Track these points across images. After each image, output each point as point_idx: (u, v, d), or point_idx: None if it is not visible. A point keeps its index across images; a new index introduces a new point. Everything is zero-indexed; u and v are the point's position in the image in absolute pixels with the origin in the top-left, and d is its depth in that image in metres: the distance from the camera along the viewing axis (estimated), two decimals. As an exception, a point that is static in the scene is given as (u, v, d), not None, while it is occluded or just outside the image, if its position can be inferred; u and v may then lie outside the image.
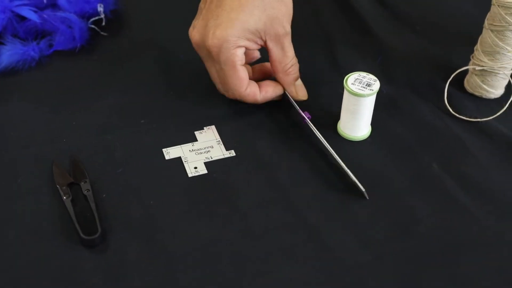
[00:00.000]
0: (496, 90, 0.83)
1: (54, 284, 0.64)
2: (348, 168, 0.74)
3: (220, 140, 0.78)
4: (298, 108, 0.79)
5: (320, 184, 0.73)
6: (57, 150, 0.76)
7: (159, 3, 0.99)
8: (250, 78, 0.80)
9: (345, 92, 0.76)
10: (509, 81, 0.81)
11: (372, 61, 0.89)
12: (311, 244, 0.68)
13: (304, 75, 0.82)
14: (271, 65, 0.80)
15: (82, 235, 0.66)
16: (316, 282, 0.65)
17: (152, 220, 0.69)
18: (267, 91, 0.80)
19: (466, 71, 0.84)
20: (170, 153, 0.76)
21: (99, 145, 0.77)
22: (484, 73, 0.82)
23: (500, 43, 0.78)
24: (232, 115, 0.81)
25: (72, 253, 0.66)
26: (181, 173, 0.74)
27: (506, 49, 0.79)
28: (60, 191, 0.71)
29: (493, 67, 0.80)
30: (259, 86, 0.80)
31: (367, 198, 0.71)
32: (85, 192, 0.70)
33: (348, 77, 0.76)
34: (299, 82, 0.81)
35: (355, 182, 0.72)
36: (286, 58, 0.79)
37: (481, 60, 0.81)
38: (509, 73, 0.81)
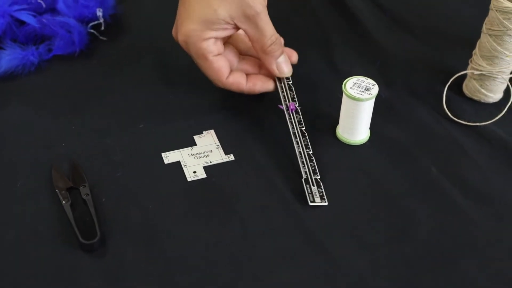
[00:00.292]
0: (494, 95, 0.83)
1: (53, 288, 0.64)
2: (347, 172, 0.75)
3: (219, 145, 0.78)
4: (285, 100, 0.79)
5: (319, 188, 0.74)
6: (56, 154, 0.76)
7: (158, 8, 0.99)
8: (241, 67, 0.80)
9: (344, 97, 0.76)
10: (508, 86, 0.82)
11: (371, 65, 0.90)
12: (310, 248, 0.68)
13: (303, 79, 0.82)
14: (252, 45, 0.79)
15: (81, 239, 0.66)
16: (315, 285, 0.65)
17: (151, 224, 0.69)
18: (255, 84, 0.80)
19: (465, 75, 0.85)
20: (169, 157, 0.76)
21: (98, 149, 0.77)
22: (483, 78, 0.82)
23: (498, 47, 0.78)
24: (231, 119, 0.81)
25: (71, 257, 0.66)
26: (180, 178, 0.74)
27: (504, 53, 0.79)
28: (59, 195, 0.71)
29: (492, 71, 0.80)
30: (249, 78, 0.80)
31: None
32: (84, 197, 0.70)
33: (347, 81, 0.76)
34: (282, 58, 0.80)
35: None
36: (263, 38, 0.76)
37: (479, 65, 0.81)
38: (507, 77, 0.81)
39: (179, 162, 0.76)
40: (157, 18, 0.98)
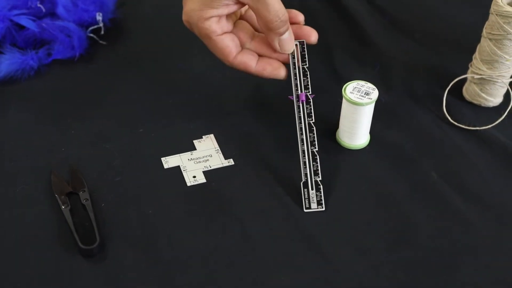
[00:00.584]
0: (494, 99, 0.83)
1: (53, 293, 0.64)
2: (347, 176, 0.75)
3: (219, 149, 0.78)
4: (296, 89, 0.76)
5: (319, 193, 0.73)
6: (56, 159, 0.76)
7: (157, 12, 0.99)
8: (254, 47, 0.77)
9: (344, 101, 0.76)
10: (508, 90, 0.81)
11: (371, 69, 0.90)
12: (309, 253, 0.68)
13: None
14: (257, 21, 0.75)
15: (80, 244, 0.66)
16: (315, 291, 0.65)
17: (150, 229, 0.69)
18: (265, 68, 0.76)
19: (465, 80, 0.84)
20: (169, 162, 0.76)
21: (97, 154, 0.77)
22: (483, 82, 0.82)
23: (498, 51, 0.78)
24: (231, 123, 0.81)
25: (70, 262, 0.66)
26: (180, 182, 0.74)
27: (504, 57, 0.79)
28: (59, 200, 0.70)
29: (492, 75, 0.80)
30: (260, 60, 0.77)
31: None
32: (83, 202, 0.70)
33: (347, 86, 0.76)
34: (286, 35, 0.75)
35: None
36: (267, 13, 0.72)
37: (479, 69, 0.81)
38: (507, 81, 0.81)
39: (178, 166, 0.76)
40: (156, 22, 0.98)
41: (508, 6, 0.76)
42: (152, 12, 1.00)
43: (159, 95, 0.85)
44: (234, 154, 0.77)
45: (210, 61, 0.88)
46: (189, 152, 0.77)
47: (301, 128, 0.74)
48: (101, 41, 0.93)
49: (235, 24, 0.78)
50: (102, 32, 0.93)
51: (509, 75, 0.81)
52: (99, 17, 0.92)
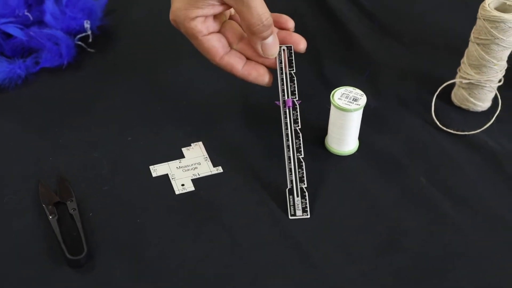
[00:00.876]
0: (483, 103, 0.83)
1: (40, 305, 0.64)
2: (335, 183, 0.74)
3: (208, 157, 0.78)
4: (283, 95, 0.75)
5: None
6: (44, 168, 0.75)
7: (145, 19, 0.99)
8: (241, 48, 0.76)
9: (332, 107, 0.76)
10: (496, 94, 0.81)
11: (360, 74, 0.89)
12: (298, 260, 0.67)
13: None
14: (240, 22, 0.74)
15: (68, 255, 0.65)
16: (304, 299, 0.65)
17: (139, 238, 0.69)
18: (250, 73, 0.76)
19: (453, 84, 0.84)
20: (157, 170, 0.76)
21: (86, 162, 0.77)
22: (471, 86, 0.82)
23: (486, 56, 0.78)
24: (219, 131, 0.81)
25: (58, 273, 0.65)
26: (168, 191, 0.74)
27: (492, 62, 0.79)
28: (46, 210, 0.70)
29: (480, 80, 0.80)
30: (247, 63, 0.76)
31: None
32: (71, 211, 0.70)
33: (335, 92, 0.76)
34: (270, 40, 0.74)
35: None
36: (249, 16, 0.71)
37: (467, 73, 0.81)
38: (495, 86, 0.81)
39: (167, 175, 0.75)
40: (144, 29, 0.97)
41: (495, 11, 0.76)
42: (140, 19, 0.99)
43: (148, 102, 0.85)
44: (223, 161, 0.77)
45: (198, 68, 0.88)
46: (177, 160, 0.77)
47: (287, 134, 0.74)
48: (89, 49, 0.92)
49: (223, 24, 0.77)
50: (90, 40, 0.93)
51: (497, 80, 0.81)
52: (87, 24, 0.92)
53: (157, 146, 0.79)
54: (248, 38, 0.75)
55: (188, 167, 0.76)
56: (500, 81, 0.81)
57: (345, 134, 0.77)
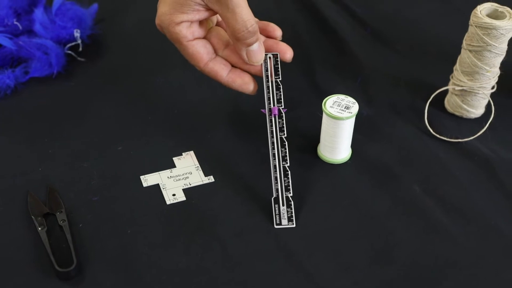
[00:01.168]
0: (476, 110, 0.83)
1: (29, 318, 0.63)
2: (328, 191, 0.74)
3: (199, 166, 0.77)
4: (269, 103, 0.75)
5: (299, 209, 0.72)
6: (33, 179, 0.75)
7: (135, 28, 0.98)
8: (226, 55, 0.75)
9: (324, 115, 0.75)
10: (489, 101, 0.81)
11: (352, 82, 0.89)
12: (290, 270, 0.67)
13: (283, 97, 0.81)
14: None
15: (57, 267, 0.64)
16: (297, 310, 0.64)
17: (129, 250, 0.68)
18: (234, 81, 0.75)
19: (446, 91, 0.84)
20: (148, 180, 0.75)
21: (75, 173, 0.76)
22: (464, 93, 0.81)
23: (479, 63, 0.78)
24: (210, 140, 0.80)
25: (47, 286, 0.65)
26: (159, 201, 0.73)
27: (485, 69, 0.78)
28: (35, 222, 0.69)
29: (473, 87, 0.80)
30: (232, 71, 0.76)
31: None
32: (60, 223, 0.69)
33: (327, 100, 0.75)
34: (255, 46, 0.73)
35: None
36: (234, 22, 0.70)
37: (460, 80, 0.81)
38: (488, 92, 0.81)
39: (158, 185, 0.75)
40: (135, 38, 0.97)
41: (487, 18, 0.76)
42: (130, 28, 0.98)
43: (138, 111, 0.84)
44: (214, 171, 0.76)
45: (189, 76, 0.87)
46: (168, 170, 0.76)
47: (272, 143, 0.73)
48: (79, 58, 0.92)
49: (210, 30, 0.76)
50: (80, 49, 0.92)
51: (490, 86, 0.80)
52: (77, 33, 0.91)
53: (147, 156, 0.78)
54: (233, 44, 0.74)
55: (180, 177, 0.76)
56: (493, 87, 0.81)
57: (337, 142, 0.76)
